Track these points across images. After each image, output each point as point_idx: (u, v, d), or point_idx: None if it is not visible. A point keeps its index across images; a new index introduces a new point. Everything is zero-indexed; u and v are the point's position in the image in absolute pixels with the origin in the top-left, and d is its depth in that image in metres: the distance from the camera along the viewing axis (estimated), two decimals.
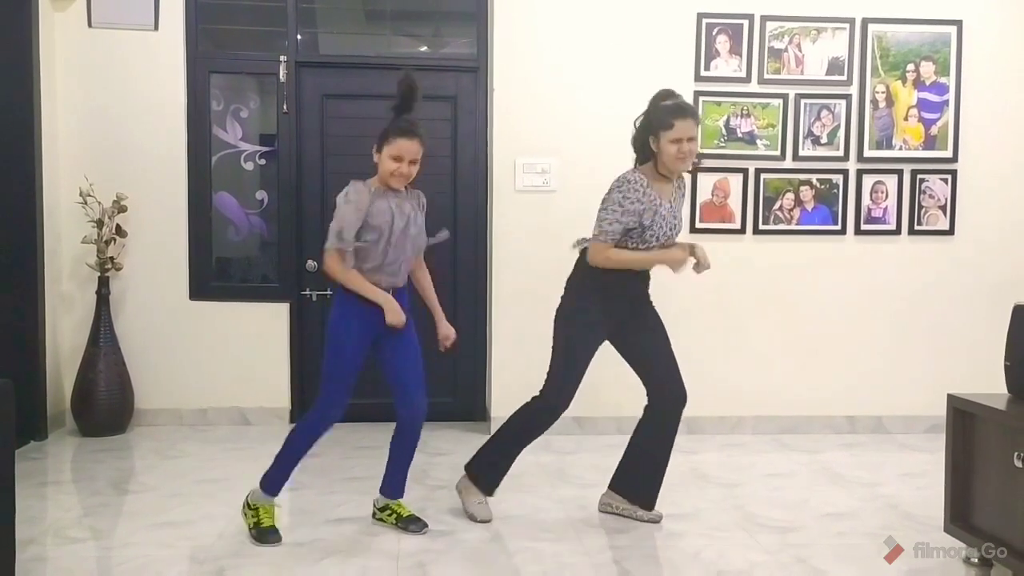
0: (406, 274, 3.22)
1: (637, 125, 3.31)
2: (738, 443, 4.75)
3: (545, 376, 3.39)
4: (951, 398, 3.01)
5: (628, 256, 3.25)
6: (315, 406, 3.19)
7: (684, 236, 3.31)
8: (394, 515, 3.28)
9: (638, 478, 3.43)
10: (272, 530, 3.13)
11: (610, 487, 3.50)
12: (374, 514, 3.35)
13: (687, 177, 3.55)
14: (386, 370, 3.22)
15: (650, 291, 3.42)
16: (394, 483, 3.32)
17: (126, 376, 4.77)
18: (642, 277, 3.37)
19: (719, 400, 4.86)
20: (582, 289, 3.32)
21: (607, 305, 3.29)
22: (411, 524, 3.24)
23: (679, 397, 3.36)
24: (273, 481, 3.17)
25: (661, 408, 3.37)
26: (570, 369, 3.33)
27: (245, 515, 3.20)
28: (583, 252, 3.33)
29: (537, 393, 3.38)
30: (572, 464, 4.28)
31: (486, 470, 3.44)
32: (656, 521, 3.38)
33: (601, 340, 3.36)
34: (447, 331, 3.38)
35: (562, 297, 3.39)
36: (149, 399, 4.89)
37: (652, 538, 3.26)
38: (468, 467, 3.48)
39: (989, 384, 3.16)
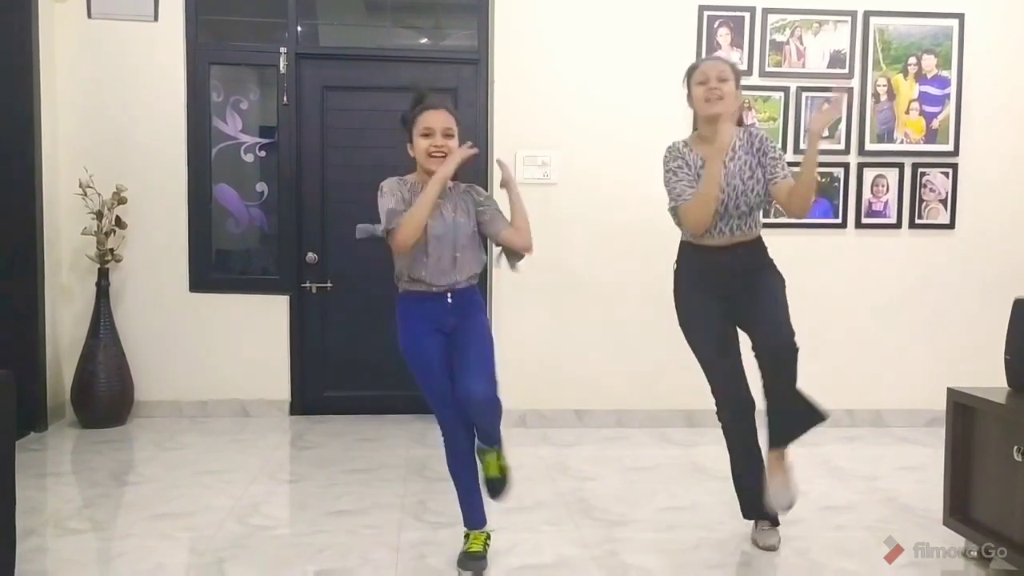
0: (467, 271, 2.89)
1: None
2: None
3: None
4: (951, 392, 3.01)
5: (701, 191, 2.94)
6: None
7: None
8: (465, 545, 2.92)
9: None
10: (470, 556, 2.85)
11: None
12: None
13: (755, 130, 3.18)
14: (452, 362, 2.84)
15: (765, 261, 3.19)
16: (464, 512, 2.95)
17: (126, 368, 4.77)
18: (735, 251, 3.08)
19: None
20: (678, 267, 3.16)
21: (697, 286, 3.11)
22: (464, 562, 2.85)
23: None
24: (464, 515, 2.93)
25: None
26: (703, 360, 3.16)
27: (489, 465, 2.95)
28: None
29: None
30: (572, 456, 4.28)
31: (744, 498, 3.18)
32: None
33: (719, 316, 3.11)
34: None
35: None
36: (149, 391, 4.90)
37: (651, 530, 3.26)
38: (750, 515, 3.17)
39: (989, 378, 3.16)
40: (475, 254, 2.93)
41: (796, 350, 3.08)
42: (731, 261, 3.07)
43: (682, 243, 3.17)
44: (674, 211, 3.08)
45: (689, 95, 3.09)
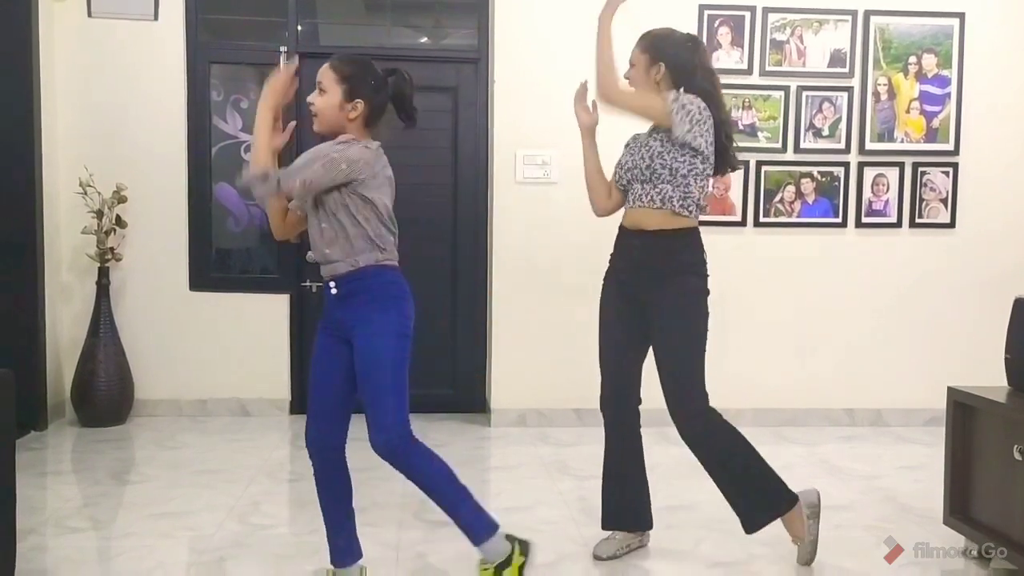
0: (347, 257, 2.46)
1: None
2: None
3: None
4: (951, 391, 3.01)
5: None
6: None
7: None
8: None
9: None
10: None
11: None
12: None
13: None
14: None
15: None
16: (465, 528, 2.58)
17: (126, 367, 4.77)
18: (642, 238, 2.87)
19: (718, 392, 4.80)
20: (701, 264, 2.87)
21: (613, 277, 2.99)
22: None
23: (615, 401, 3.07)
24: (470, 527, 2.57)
25: None
26: (599, 351, 3.01)
27: None
28: (677, 231, 2.81)
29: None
30: (572, 456, 4.28)
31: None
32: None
33: (621, 315, 2.96)
34: None
35: (680, 281, 2.81)
36: (149, 390, 4.90)
37: (651, 530, 3.26)
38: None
39: (989, 377, 3.17)
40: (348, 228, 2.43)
41: (703, 426, 2.81)
42: (638, 251, 2.83)
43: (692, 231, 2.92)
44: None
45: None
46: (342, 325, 2.48)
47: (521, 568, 2.57)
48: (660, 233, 2.80)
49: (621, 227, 2.93)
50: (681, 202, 2.79)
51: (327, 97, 2.49)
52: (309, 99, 2.51)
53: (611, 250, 3.00)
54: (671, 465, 4.06)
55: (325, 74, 2.49)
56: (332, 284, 2.49)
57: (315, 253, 2.51)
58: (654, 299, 2.82)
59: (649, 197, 2.81)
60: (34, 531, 3.11)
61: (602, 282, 3.02)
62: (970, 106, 4.98)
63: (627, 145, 3.03)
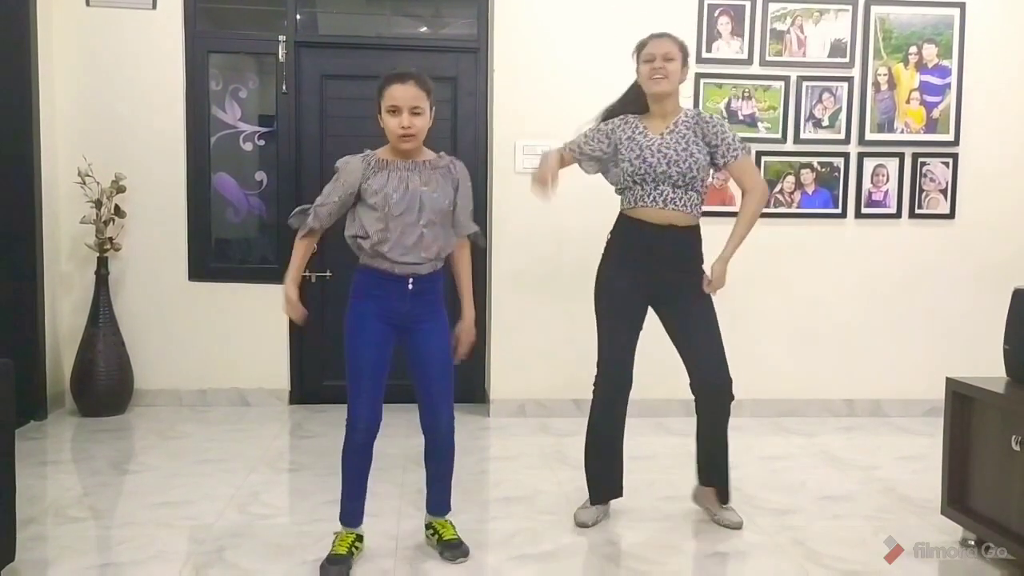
0: (432, 259, 2.73)
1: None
2: (736, 426, 4.69)
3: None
4: (950, 381, 3.01)
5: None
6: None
7: None
8: (436, 535, 2.91)
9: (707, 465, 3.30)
10: (333, 558, 2.74)
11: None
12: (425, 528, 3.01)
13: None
14: (408, 371, 2.82)
15: None
16: (432, 498, 2.95)
17: (125, 357, 4.77)
18: (667, 233, 3.16)
19: None
20: (606, 248, 3.22)
21: (624, 267, 3.19)
22: (446, 550, 2.84)
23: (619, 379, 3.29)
24: (343, 506, 2.84)
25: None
26: (603, 329, 3.21)
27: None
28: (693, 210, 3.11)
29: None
30: (571, 446, 4.27)
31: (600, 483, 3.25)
32: (737, 527, 3.19)
33: (637, 294, 3.20)
34: (464, 330, 2.86)
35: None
36: (148, 380, 4.90)
37: (649, 519, 3.27)
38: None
39: (988, 368, 3.17)
40: (446, 233, 2.77)
41: (732, 397, 3.21)
42: (662, 244, 3.08)
43: (620, 215, 3.19)
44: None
45: (637, 71, 3.18)
46: (409, 316, 2.71)
47: None
48: (688, 229, 3.12)
49: (639, 221, 3.10)
50: (701, 207, 3.17)
51: (423, 118, 2.66)
52: (407, 123, 2.63)
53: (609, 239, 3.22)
54: (669, 455, 4.08)
55: (419, 98, 2.63)
56: (411, 281, 2.70)
57: (399, 254, 2.67)
58: (681, 286, 3.12)
59: (683, 202, 3.08)
60: (34, 520, 3.12)
61: (606, 270, 3.18)
62: (970, 97, 4.97)
63: (627, 135, 3.16)
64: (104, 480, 3.68)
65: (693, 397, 3.23)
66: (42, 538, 3.00)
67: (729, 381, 3.16)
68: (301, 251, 2.81)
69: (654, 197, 3.07)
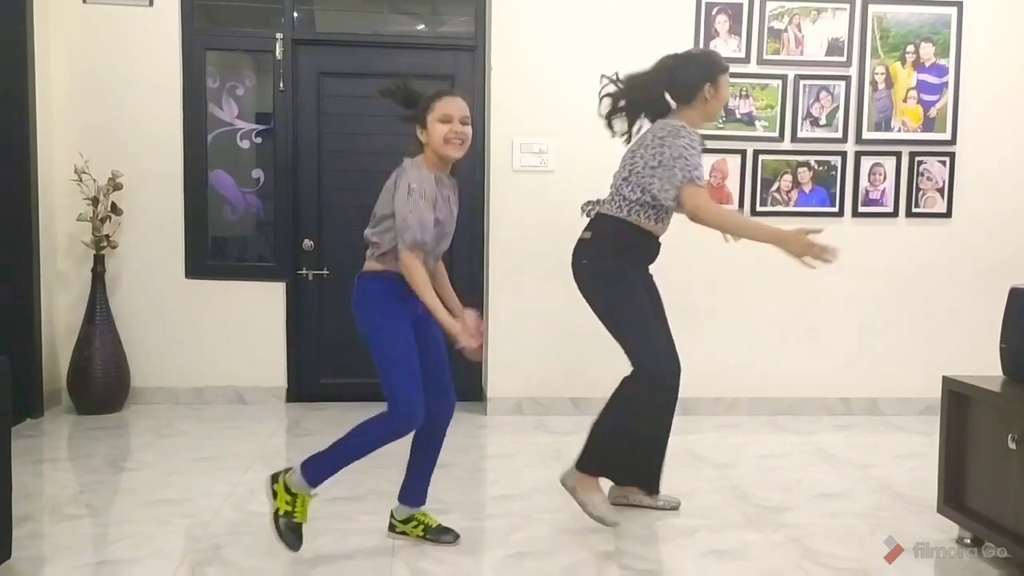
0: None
1: (682, 66, 3.20)
2: (733, 424, 4.77)
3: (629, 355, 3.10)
4: (946, 380, 3.02)
5: (742, 219, 3.37)
6: (390, 413, 2.77)
7: (681, 218, 3.25)
8: (421, 526, 2.98)
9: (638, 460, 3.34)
10: (299, 530, 2.79)
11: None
12: (392, 527, 3.02)
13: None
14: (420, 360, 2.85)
15: None
16: (418, 489, 2.99)
17: (122, 354, 4.77)
18: (657, 246, 3.27)
19: (714, 381, 4.87)
20: (618, 250, 3.16)
21: (637, 270, 3.21)
22: (443, 535, 2.96)
23: (678, 369, 3.28)
24: (321, 471, 2.82)
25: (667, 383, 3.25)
26: (645, 327, 3.13)
27: (275, 495, 2.81)
28: (606, 218, 3.18)
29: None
30: (568, 445, 4.27)
31: (608, 463, 3.16)
32: (675, 508, 3.33)
33: (651, 297, 3.25)
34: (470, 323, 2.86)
35: (591, 262, 3.17)
36: (145, 377, 4.90)
37: (647, 518, 3.27)
38: (581, 464, 3.12)
39: (984, 366, 3.17)
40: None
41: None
42: (655, 255, 3.28)
43: (636, 227, 3.15)
44: (690, 187, 3.05)
45: (713, 87, 3.18)
46: (421, 311, 2.79)
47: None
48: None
49: (654, 237, 3.22)
50: None
51: (470, 128, 2.84)
52: (460, 129, 2.79)
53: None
54: (667, 454, 4.08)
55: (467, 109, 2.82)
56: None
57: (432, 261, 2.83)
58: (653, 285, 3.30)
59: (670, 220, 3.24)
60: (30, 518, 3.11)
61: (633, 275, 3.18)
62: (967, 95, 4.97)
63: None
64: (100, 478, 3.67)
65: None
66: (38, 535, 3.00)
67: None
68: (424, 274, 2.73)
69: (666, 221, 3.21)
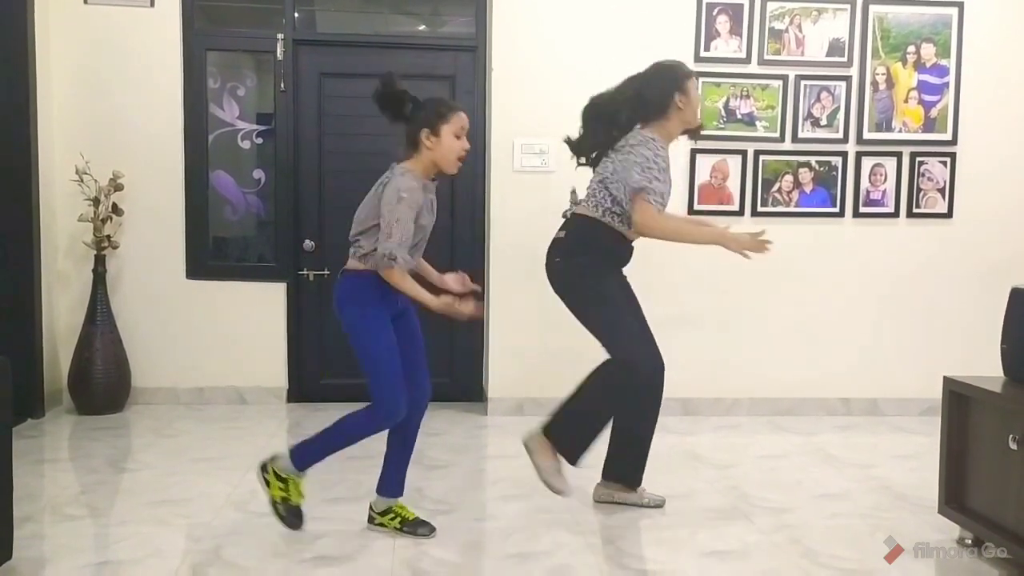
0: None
1: (647, 85, 3.27)
2: (733, 424, 4.76)
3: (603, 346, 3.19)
4: (947, 380, 3.02)
5: (685, 228, 3.37)
6: (374, 408, 2.88)
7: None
8: (398, 518, 3.03)
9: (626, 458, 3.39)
10: (299, 511, 2.96)
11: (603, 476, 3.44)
12: (371, 519, 3.08)
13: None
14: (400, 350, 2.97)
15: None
16: (395, 480, 3.06)
17: (123, 355, 4.77)
18: (630, 250, 3.35)
19: (714, 381, 4.87)
20: (592, 249, 3.24)
21: (610, 269, 3.29)
22: (419, 528, 3.01)
23: (661, 366, 3.29)
24: (308, 457, 2.94)
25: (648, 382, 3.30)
26: (619, 317, 3.20)
27: (268, 484, 2.95)
28: (581, 218, 3.27)
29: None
30: None
31: (568, 439, 3.22)
32: (660, 505, 3.36)
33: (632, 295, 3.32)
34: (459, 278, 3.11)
35: (563, 259, 3.27)
36: (146, 378, 4.90)
37: (647, 519, 3.27)
38: (546, 430, 3.22)
39: (985, 367, 3.17)
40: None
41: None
42: (629, 258, 3.36)
43: (614, 230, 3.22)
44: (640, 201, 3.13)
45: (683, 95, 3.24)
46: (400, 306, 2.94)
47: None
48: None
49: (627, 241, 3.28)
50: None
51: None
52: (467, 146, 2.92)
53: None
54: (667, 454, 4.08)
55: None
56: None
57: (415, 262, 2.95)
58: (628, 284, 3.37)
59: None
60: (31, 519, 3.12)
61: (606, 272, 3.26)
62: (968, 96, 4.97)
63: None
64: (101, 478, 3.67)
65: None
66: (39, 536, 3.00)
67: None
68: (410, 280, 2.85)
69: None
